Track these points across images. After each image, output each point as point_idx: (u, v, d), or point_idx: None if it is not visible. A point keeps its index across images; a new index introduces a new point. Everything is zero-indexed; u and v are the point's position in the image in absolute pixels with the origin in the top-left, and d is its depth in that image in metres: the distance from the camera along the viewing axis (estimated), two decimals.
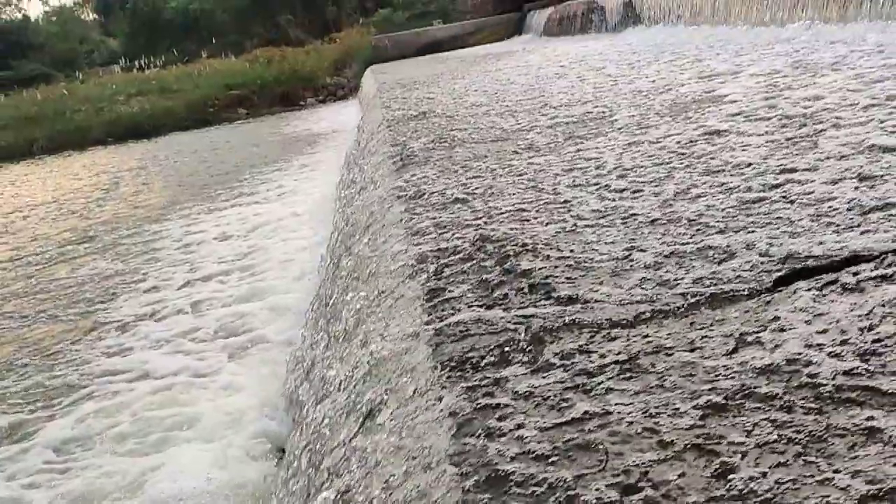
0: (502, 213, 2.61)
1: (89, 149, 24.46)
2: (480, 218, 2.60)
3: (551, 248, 2.16)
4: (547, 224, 2.41)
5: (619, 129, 3.87)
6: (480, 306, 1.86)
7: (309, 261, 6.63)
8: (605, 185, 2.79)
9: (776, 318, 1.56)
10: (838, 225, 1.99)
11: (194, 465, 4.05)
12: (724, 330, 1.55)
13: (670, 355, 1.48)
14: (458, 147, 4.22)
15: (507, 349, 1.62)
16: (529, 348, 1.60)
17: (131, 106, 27.59)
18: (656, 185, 2.67)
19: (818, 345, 1.43)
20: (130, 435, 4.65)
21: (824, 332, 1.48)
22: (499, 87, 7.08)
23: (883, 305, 1.53)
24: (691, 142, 3.25)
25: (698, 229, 2.13)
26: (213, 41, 38.99)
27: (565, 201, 2.67)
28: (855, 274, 1.70)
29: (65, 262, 9.22)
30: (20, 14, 56.84)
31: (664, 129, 3.62)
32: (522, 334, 1.67)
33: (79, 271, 8.65)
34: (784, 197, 2.27)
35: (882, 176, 2.28)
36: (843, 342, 1.42)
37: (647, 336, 1.58)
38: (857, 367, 1.33)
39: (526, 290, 1.92)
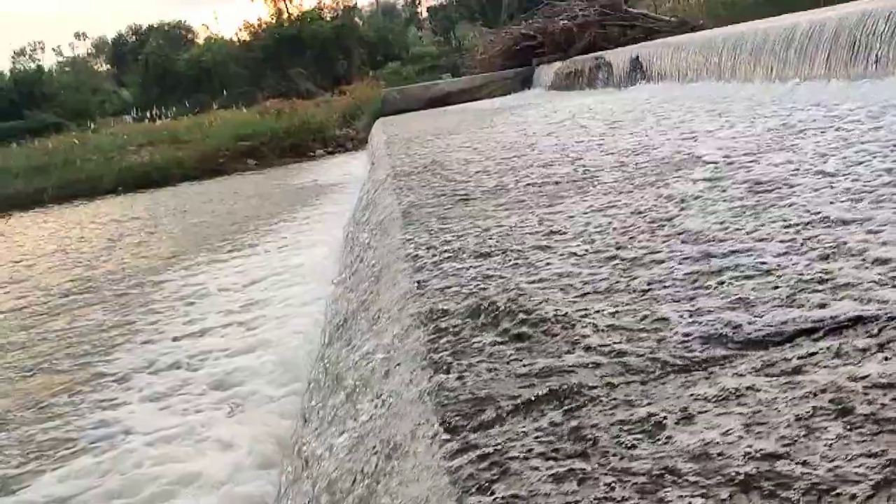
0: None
1: (99, 198, 24.57)
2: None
3: None
4: None
5: (587, 193, 3.82)
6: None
7: (309, 314, 6.57)
8: (569, 250, 2.75)
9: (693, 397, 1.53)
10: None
11: None
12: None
13: None
14: (432, 208, 4.20)
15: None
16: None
17: (142, 156, 27.77)
18: (618, 249, 2.64)
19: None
20: (121, 492, 4.55)
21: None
22: (492, 143, 7.11)
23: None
24: (654, 207, 3.19)
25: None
26: (225, 93, 39.41)
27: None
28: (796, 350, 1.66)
29: (65, 313, 9.16)
30: (34, 64, 57.62)
31: (637, 195, 3.57)
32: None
33: (78, 322, 8.58)
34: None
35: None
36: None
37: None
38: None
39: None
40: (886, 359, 1.55)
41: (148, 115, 37.67)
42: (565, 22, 22.91)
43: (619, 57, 15.17)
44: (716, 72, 10.40)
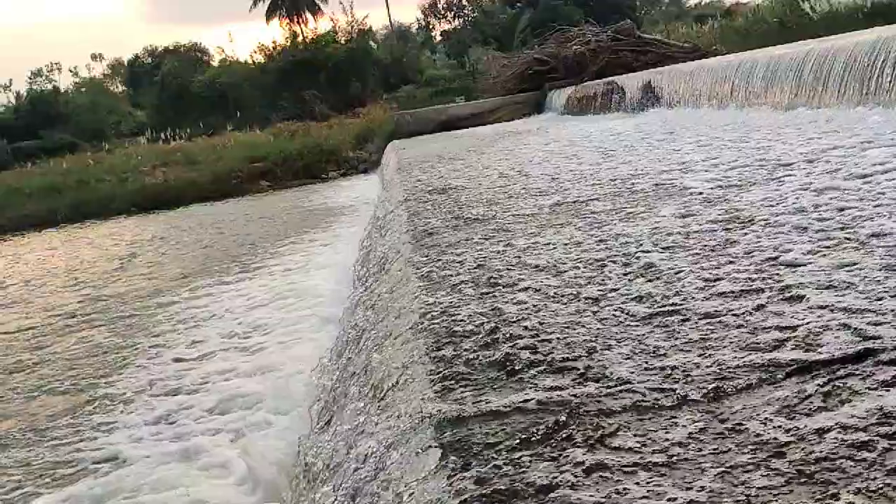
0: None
1: (112, 218, 24.65)
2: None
3: None
4: None
5: (577, 226, 3.82)
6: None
7: (318, 338, 6.53)
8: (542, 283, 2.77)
9: None
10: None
11: None
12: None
13: None
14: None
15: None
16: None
17: (155, 177, 27.88)
18: (589, 286, 2.65)
19: None
20: None
21: None
22: (492, 170, 7.25)
23: None
24: (638, 240, 3.20)
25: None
26: (239, 114, 39.58)
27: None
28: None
29: (71, 334, 9.13)
30: (51, 85, 58.11)
31: (619, 226, 3.55)
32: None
33: (84, 344, 8.54)
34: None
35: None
36: None
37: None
38: None
39: None
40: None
41: (162, 136, 37.84)
42: (578, 47, 22.94)
43: (631, 82, 15.16)
44: (728, 97, 10.36)
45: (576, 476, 1.40)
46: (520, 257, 3.24)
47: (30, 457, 5.53)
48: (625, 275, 2.71)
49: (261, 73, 46.42)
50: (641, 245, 3.11)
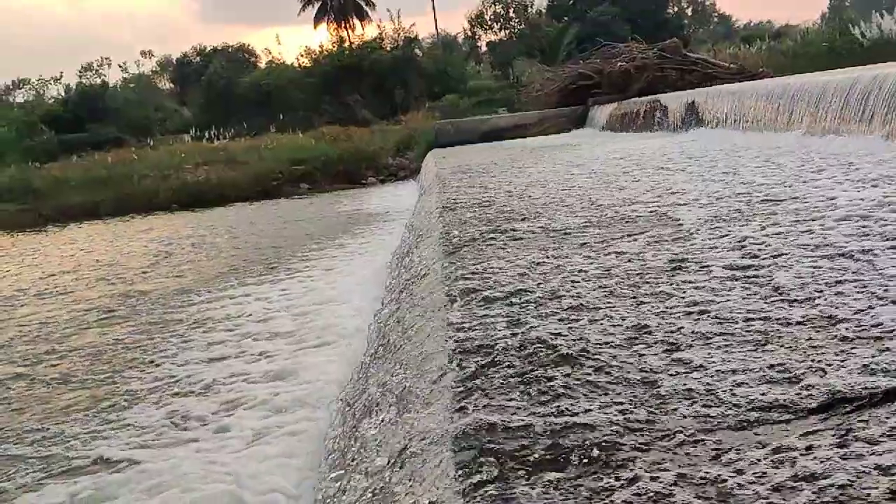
0: None
1: (153, 214, 24.89)
2: None
3: None
4: None
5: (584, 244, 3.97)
6: None
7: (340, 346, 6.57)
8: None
9: None
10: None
11: None
12: None
13: None
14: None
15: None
16: None
17: (197, 175, 28.10)
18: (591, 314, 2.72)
19: None
20: None
21: None
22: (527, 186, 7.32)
23: None
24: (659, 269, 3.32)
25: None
26: (283, 117, 39.84)
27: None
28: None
29: (97, 328, 9.23)
30: (100, 79, 58.87)
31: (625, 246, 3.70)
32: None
33: (105, 339, 8.60)
34: None
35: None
36: None
37: None
38: None
39: None
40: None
41: (206, 134, 38.16)
42: (623, 63, 22.85)
43: (675, 101, 15.08)
44: (774, 121, 10.26)
45: None
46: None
47: (41, 450, 5.52)
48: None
49: (306, 76, 46.69)
50: None
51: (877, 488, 1.44)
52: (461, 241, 4.62)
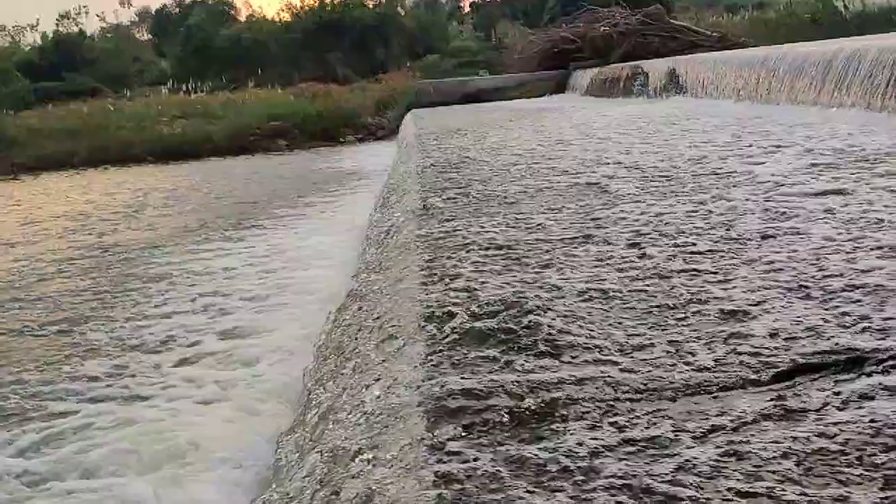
0: None
1: (128, 165, 24.63)
2: None
3: None
4: None
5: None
6: None
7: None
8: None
9: None
10: None
11: None
12: None
13: None
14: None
15: None
16: None
17: (174, 127, 27.80)
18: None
19: None
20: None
21: None
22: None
23: None
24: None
25: None
26: (261, 72, 39.38)
27: None
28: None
29: (61, 280, 9.15)
30: (77, 28, 57.71)
31: None
32: None
33: (70, 289, 8.54)
34: None
35: None
36: None
37: None
38: None
39: None
40: None
41: (184, 87, 37.64)
42: (606, 28, 22.76)
43: (656, 68, 15.04)
44: (753, 91, 10.27)
45: None
46: None
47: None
48: None
49: (286, 31, 46.16)
50: None
51: None
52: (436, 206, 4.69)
